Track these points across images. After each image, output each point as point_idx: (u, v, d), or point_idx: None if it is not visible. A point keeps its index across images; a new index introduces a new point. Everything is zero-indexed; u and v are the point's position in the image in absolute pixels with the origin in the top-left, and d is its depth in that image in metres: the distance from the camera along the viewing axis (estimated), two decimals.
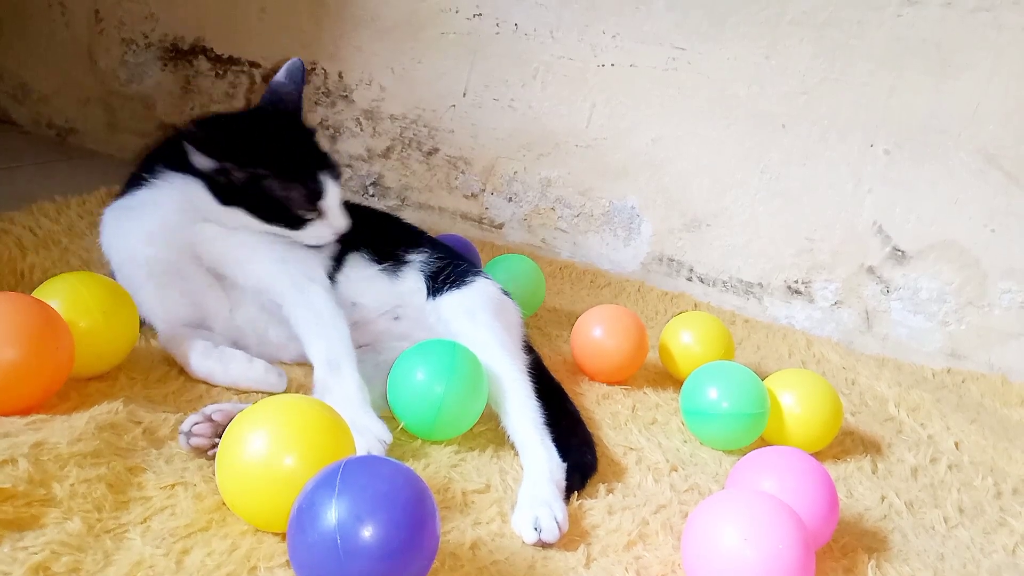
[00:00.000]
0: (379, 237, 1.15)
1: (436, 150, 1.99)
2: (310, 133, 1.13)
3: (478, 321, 1.06)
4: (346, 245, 1.12)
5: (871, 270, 1.69)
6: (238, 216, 1.02)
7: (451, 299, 1.10)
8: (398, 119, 2.00)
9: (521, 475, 0.91)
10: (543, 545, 0.79)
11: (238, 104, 2.11)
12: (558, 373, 1.16)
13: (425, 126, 1.98)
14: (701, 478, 1.00)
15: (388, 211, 1.37)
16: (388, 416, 0.95)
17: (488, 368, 0.99)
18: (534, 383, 1.01)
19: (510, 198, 1.95)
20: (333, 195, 1.06)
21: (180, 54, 2.14)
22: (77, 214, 1.49)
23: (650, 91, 1.79)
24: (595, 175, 1.87)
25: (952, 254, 1.62)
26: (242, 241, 1.03)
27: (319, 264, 1.08)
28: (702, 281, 1.83)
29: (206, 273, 1.04)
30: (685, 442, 1.10)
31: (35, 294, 0.90)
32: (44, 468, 0.73)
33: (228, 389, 1.00)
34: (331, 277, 1.09)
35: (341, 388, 0.93)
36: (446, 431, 0.96)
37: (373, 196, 2.05)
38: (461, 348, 0.97)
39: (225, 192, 1.01)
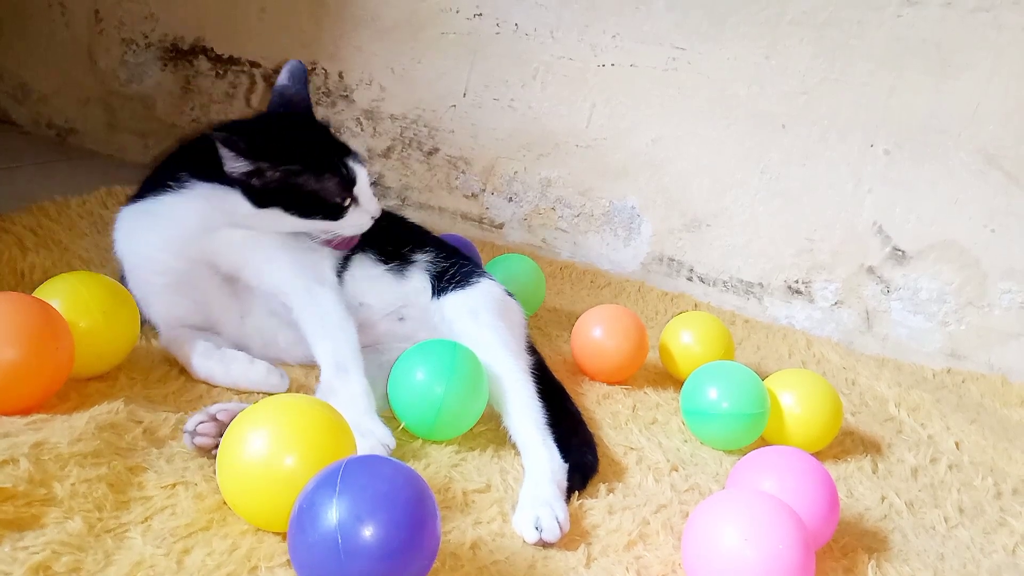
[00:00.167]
0: (385, 237, 1.15)
1: (436, 150, 1.99)
2: (326, 127, 1.14)
3: (481, 321, 1.06)
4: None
5: (871, 270, 1.69)
6: (274, 217, 1.01)
7: (455, 299, 1.10)
8: (398, 119, 2.00)
9: (522, 475, 0.91)
10: (544, 545, 0.79)
11: (238, 104, 2.12)
12: (558, 373, 1.16)
13: (425, 126, 1.98)
14: (701, 478, 1.00)
15: (389, 211, 1.37)
16: (388, 416, 0.95)
17: (491, 368, 0.99)
18: (536, 383, 1.01)
19: (510, 198, 1.95)
20: (363, 180, 1.07)
21: (180, 54, 2.14)
22: (77, 214, 1.49)
23: (650, 91, 1.79)
24: (595, 175, 1.87)
25: (952, 254, 1.62)
26: (261, 244, 1.03)
27: (331, 267, 1.08)
28: (702, 281, 1.83)
29: (220, 281, 1.04)
30: (685, 442, 1.10)
31: (35, 294, 0.90)
32: (44, 468, 0.73)
33: (229, 389, 1.01)
34: (339, 276, 1.09)
35: (347, 391, 0.93)
36: (446, 431, 0.96)
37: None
38: (461, 348, 0.97)
39: (260, 195, 0.99)
